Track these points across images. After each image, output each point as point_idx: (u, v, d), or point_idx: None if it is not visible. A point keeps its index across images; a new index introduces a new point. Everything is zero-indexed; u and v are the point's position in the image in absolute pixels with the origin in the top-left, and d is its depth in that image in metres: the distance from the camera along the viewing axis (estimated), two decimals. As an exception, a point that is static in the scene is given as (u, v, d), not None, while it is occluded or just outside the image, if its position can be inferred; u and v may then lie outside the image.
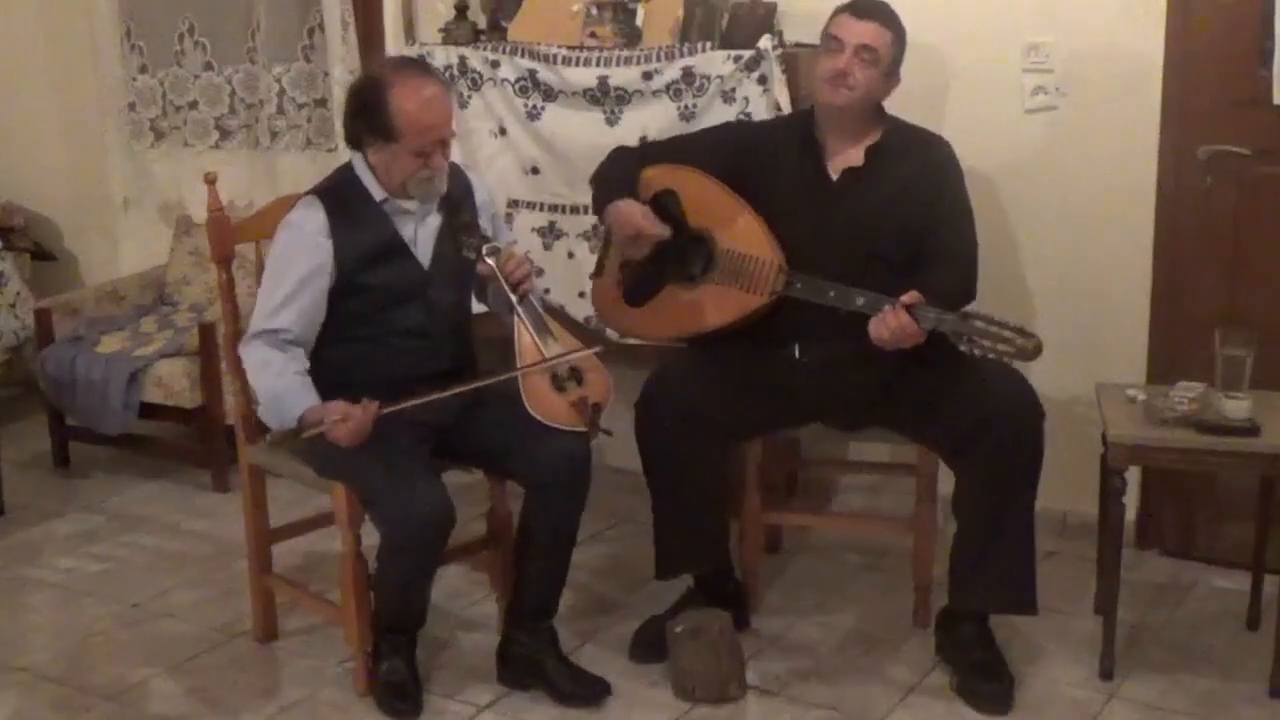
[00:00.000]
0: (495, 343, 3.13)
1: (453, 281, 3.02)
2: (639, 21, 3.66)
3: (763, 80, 3.45)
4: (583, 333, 3.38)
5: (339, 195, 2.94)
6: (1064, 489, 3.50)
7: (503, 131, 3.83)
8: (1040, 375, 3.12)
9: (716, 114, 3.49)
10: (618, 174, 3.19)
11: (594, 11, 3.70)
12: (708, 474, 3.07)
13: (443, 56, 3.84)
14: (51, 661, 3.22)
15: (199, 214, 4.48)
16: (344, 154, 3.10)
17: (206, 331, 4.18)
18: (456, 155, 3.16)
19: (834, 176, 3.07)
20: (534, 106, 3.75)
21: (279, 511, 3.32)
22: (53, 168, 5.25)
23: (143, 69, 4.86)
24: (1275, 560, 3.26)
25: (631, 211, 3.07)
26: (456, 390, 2.84)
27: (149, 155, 4.94)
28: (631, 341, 3.33)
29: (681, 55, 3.54)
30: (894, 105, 3.13)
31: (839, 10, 3.05)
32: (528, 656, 2.99)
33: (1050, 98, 3.52)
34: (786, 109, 3.41)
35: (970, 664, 2.97)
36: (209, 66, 4.73)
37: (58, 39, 5.09)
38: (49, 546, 3.92)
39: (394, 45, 4.26)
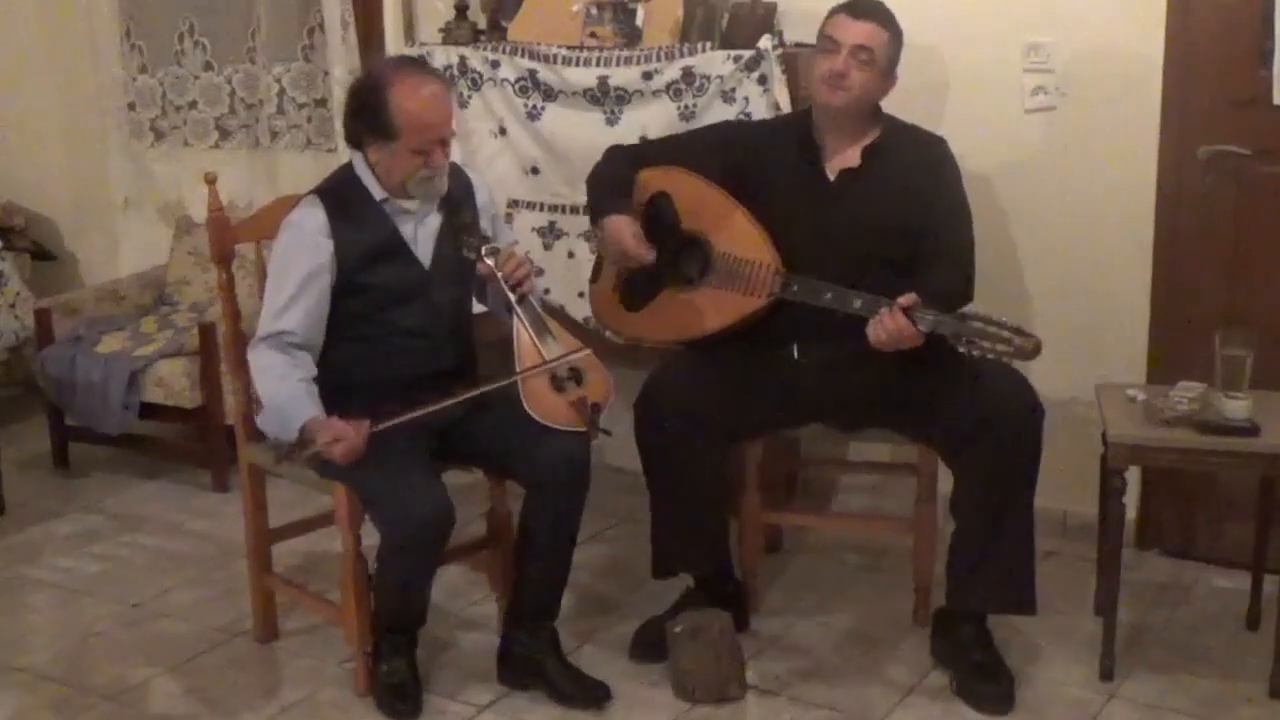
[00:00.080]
0: (494, 343, 3.13)
1: (453, 281, 3.02)
2: (639, 21, 3.66)
3: (763, 80, 3.45)
4: (582, 333, 3.38)
5: (339, 195, 2.94)
6: (1064, 489, 3.50)
7: (503, 131, 3.83)
8: (1040, 375, 3.12)
9: (716, 114, 3.49)
10: (613, 177, 3.18)
11: (594, 11, 3.69)
12: (707, 474, 3.06)
13: (443, 56, 3.84)
14: (51, 661, 3.23)
15: (199, 214, 4.48)
16: (344, 154, 3.10)
17: (206, 331, 4.18)
18: (456, 155, 3.16)
19: (831, 177, 3.06)
20: (534, 106, 3.75)
21: (279, 511, 3.32)
22: (53, 168, 5.25)
23: (143, 69, 4.86)
24: (1275, 560, 3.26)
25: (621, 232, 3.07)
26: (446, 404, 2.83)
27: (149, 155, 4.94)
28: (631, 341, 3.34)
29: (681, 55, 3.54)
30: (894, 105, 3.12)
31: (835, 10, 3.03)
32: (528, 657, 2.99)
33: (1050, 98, 3.52)
34: (787, 109, 3.41)
35: (970, 665, 2.97)
36: (209, 66, 4.74)
37: (58, 39, 5.09)
38: (49, 546, 3.92)
39: (394, 45, 4.26)
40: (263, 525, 3.24)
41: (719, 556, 3.19)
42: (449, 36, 3.96)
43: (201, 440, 4.33)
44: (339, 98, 4.18)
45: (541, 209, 3.84)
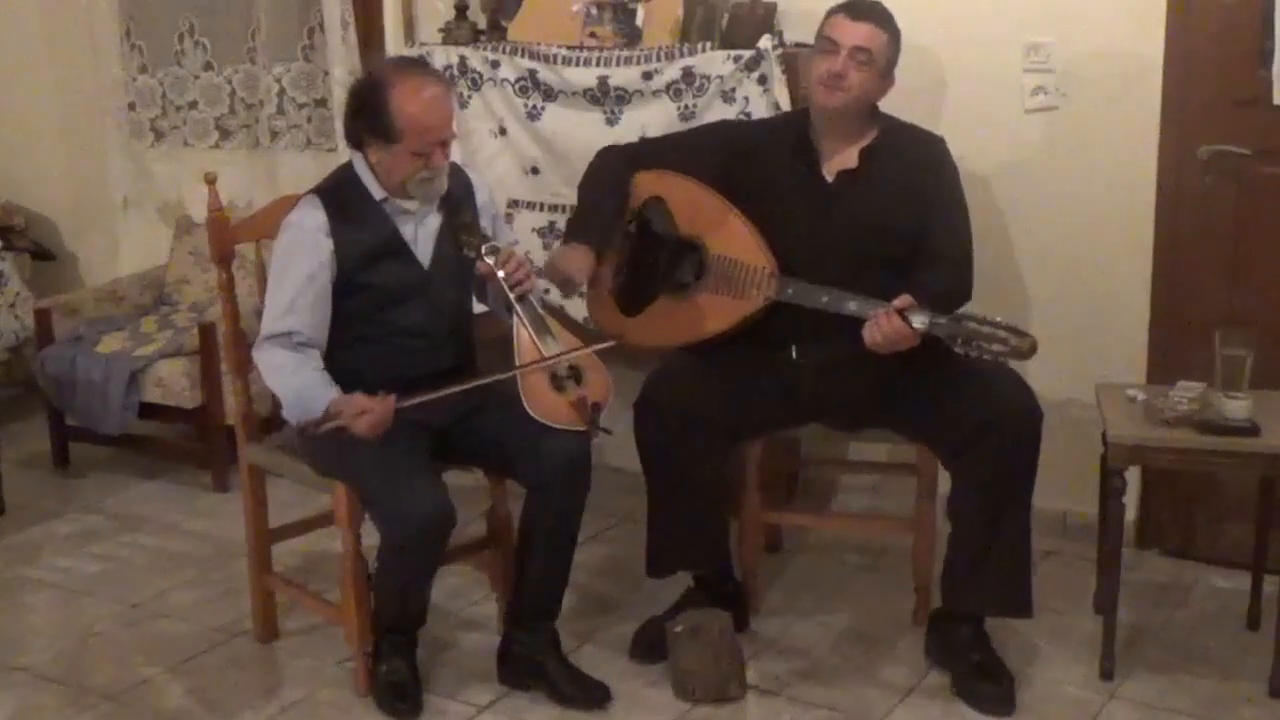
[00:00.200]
0: (494, 343, 3.12)
1: (453, 281, 3.02)
2: (639, 21, 3.66)
3: (763, 80, 3.45)
4: (582, 332, 3.38)
5: (339, 195, 2.94)
6: (1064, 489, 3.50)
7: (503, 131, 3.83)
8: (1040, 375, 3.12)
9: (716, 114, 3.49)
10: (609, 180, 3.18)
11: (594, 11, 3.70)
12: (707, 474, 3.06)
13: (443, 56, 3.84)
14: (51, 661, 3.23)
15: (199, 214, 4.48)
16: (344, 154, 3.10)
17: (206, 331, 4.17)
18: (457, 155, 3.16)
19: (829, 179, 3.06)
20: (534, 106, 3.75)
21: (279, 511, 3.32)
22: (52, 167, 5.25)
23: (143, 69, 4.86)
24: (1275, 560, 3.26)
25: (577, 262, 3.05)
26: (474, 384, 2.85)
27: (149, 155, 4.94)
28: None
29: (681, 55, 3.54)
30: (894, 105, 3.12)
31: (833, 11, 3.03)
32: (528, 657, 2.99)
33: (1050, 98, 3.52)
34: (786, 109, 3.41)
35: (969, 666, 2.97)
36: (209, 66, 4.74)
37: (58, 39, 5.08)
38: (49, 546, 3.92)
39: (394, 45, 4.27)
40: (263, 525, 3.24)
41: (719, 556, 3.19)
42: (449, 36, 3.96)
43: (201, 440, 4.33)
44: (339, 98, 4.18)
45: (541, 209, 3.85)
